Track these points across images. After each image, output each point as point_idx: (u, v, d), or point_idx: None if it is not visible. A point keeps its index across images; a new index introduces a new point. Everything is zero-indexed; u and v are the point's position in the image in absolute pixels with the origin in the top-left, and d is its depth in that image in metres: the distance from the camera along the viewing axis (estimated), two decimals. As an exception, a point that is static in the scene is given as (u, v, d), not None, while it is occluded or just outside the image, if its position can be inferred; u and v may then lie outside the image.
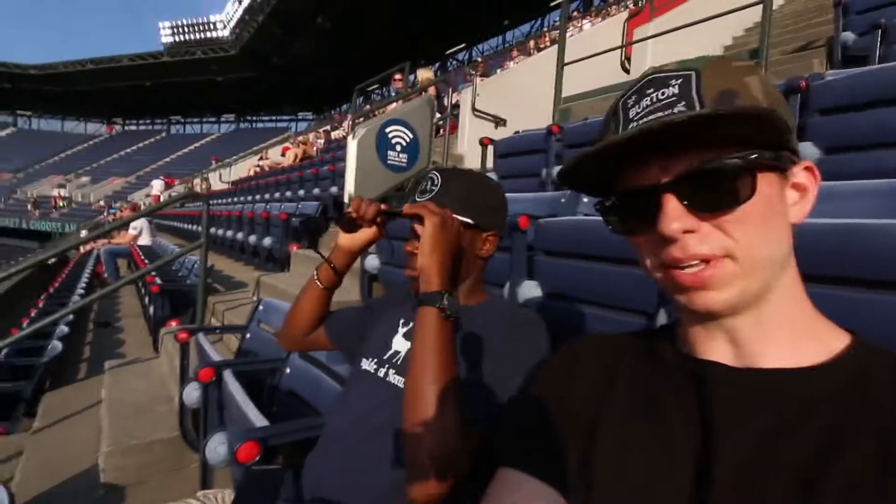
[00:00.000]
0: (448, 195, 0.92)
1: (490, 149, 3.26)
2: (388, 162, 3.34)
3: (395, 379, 0.92)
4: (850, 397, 0.39)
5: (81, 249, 11.41)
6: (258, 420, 1.27)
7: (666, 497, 0.41)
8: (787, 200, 0.45)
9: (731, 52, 4.38)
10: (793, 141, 0.44)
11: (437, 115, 4.41)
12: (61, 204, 26.94)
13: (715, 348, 0.46)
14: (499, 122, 5.15)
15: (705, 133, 0.40)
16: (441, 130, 5.44)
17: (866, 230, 0.90)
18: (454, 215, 0.90)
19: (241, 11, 27.09)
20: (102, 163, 34.95)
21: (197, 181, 15.86)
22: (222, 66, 31.40)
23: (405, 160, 3.41)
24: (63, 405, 2.86)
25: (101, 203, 26.36)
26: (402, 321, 1.00)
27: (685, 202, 0.42)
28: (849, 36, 2.97)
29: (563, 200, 2.06)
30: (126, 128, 44.40)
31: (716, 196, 0.41)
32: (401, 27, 23.95)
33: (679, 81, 0.42)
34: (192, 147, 36.68)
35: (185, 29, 31.96)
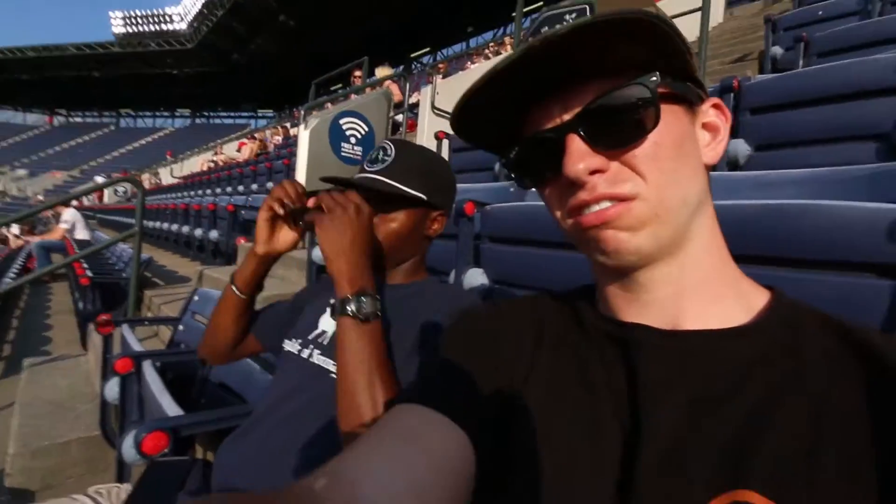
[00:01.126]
0: (401, 166, 0.86)
1: (445, 143, 3.24)
2: (342, 153, 3.24)
3: (320, 359, 0.84)
4: (781, 361, 0.37)
5: (12, 245, 10.61)
6: (172, 410, 1.18)
7: (589, 476, 0.38)
8: (698, 140, 0.42)
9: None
10: (697, 73, 0.42)
11: (395, 110, 4.36)
12: None
13: (637, 309, 0.43)
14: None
15: (600, 61, 0.37)
16: (399, 127, 5.40)
17: (792, 210, 0.92)
18: (405, 188, 0.84)
19: (199, 5, 26.10)
20: (43, 155, 32.64)
21: (146, 176, 15.06)
22: (178, 59, 30.12)
23: (360, 152, 3.32)
24: None
25: (40, 197, 24.58)
26: (331, 300, 0.93)
27: (589, 140, 0.38)
28: (777, 50, 3.20)
29: (511, 190, 2.06)
30: (71, 119, 41.72)
31: (619, 129, 0.38)
32: (365, 30, 23.81)
33: (573, 15, 0.39)
34: (143, 141, 34.88)
35: (139, 20, 30.47)
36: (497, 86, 0.38)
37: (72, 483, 1.90)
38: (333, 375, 0.79)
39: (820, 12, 3.31)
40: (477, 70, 5.89)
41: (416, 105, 5.53)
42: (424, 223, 0.90)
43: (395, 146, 0.89)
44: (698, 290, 0.41)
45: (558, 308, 0.49)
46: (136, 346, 1.70)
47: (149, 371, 1.40)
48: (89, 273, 3.42)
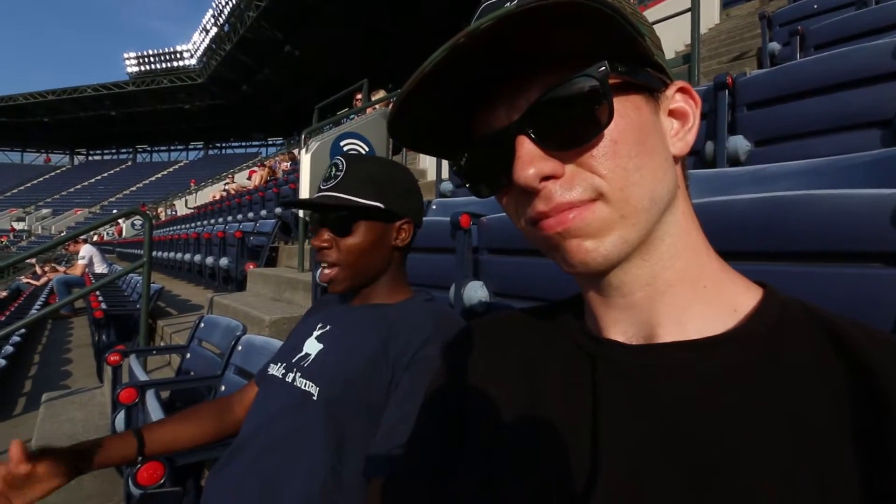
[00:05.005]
0: (352, 179, 0.85)
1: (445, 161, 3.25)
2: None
3: (301, 382, 0.82)
4: (760, 373, 0.33)
5: (37, 282, 10.92)
6: (172, 438, 1.17)
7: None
8: (663, 129, 0.38)
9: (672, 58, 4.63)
10: (656, 56, 0.37)
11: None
12: (5, 239, 25.78)
13: (613, 317, 0.39)
14: None
15: (544, 52, 0.34)
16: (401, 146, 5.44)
17: (787, 202, 0.89)
18: (357, 199, 0.84)
19: (207, 41, 27.06)
20: (65, 193, 33.80)
21: (161, 209, 15.44)
22: (190, 94, 31.12)
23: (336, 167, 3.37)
24: None
25: (63, 234, 25.38)
26: (319, 325, 0.91)
27: (539, 142, 0.35)
28: (775, 46, 3.17)
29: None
30: (90, 157, 43.21)
31: (570, 128, 0.34)
32: (368, 54, 24.33)
33: (514, 2, 0.35)
34: (159, 175, 35.87)
35: (151, 59, 31.69)
36: (431, 86, 0.35)
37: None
38: (315, 399, 0.77)
39: (815, 5, 3.29)
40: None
41: None
42: (388, 233, 0.88)
43: (347, 160, 0.88)
44: (674, 293, 0.37)
45: (539, 324, 0.47)
46: (143, 377, 1.71)
47: (150, 401, 1.40)
48: (104, 306, 3.48)
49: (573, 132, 0.35)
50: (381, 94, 6.24)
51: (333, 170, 0.88)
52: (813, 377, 0.32)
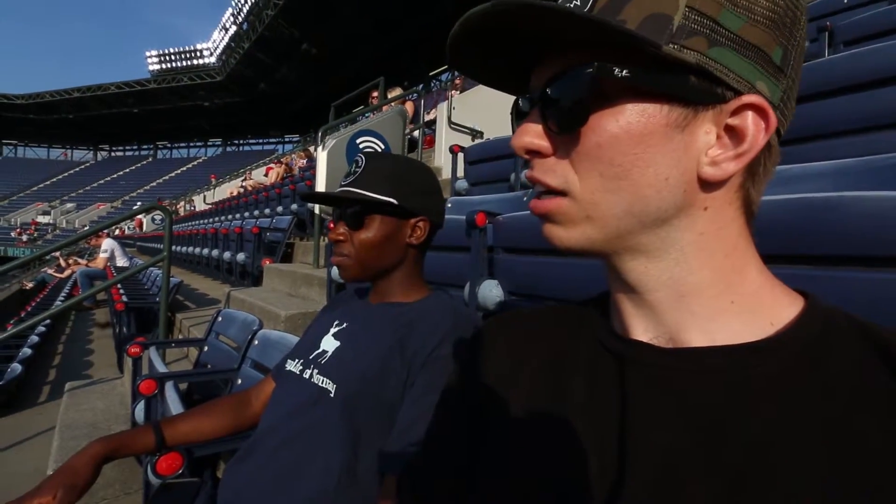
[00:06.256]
0: (370, 175, 0.87)
1: (460, 157, 3.25)
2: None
3: (318, 379, 0.83)
4: (797, 380, 0.32)
5: (61, 275, 11.25)
6: (191, 429, 1.19)
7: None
8: (688, 145, 0.33)
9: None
10: (707, 63, 0.31)
11: (410, 127, 4.41)
12: (32, 232, 26.63)
13: (637, 321, 0.38)
14: (476, 133, 5.17)
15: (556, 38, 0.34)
16: (416, 143, 5.46)
17: (820, 203, 0.86)
18: (372, 194, 0.84)
19: (227, 39, 27.47)
20: (88, 188, 34.69)
21: (181, 204, 15.72)
22: (209, 91, 31.63)
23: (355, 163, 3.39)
24: (15, 430, 2.72)
25: (86, 228, 26.10)
26: (336, 322, 0.92)
27: (543, 120, 0.36)
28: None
29: (525, 199, 2.04)
30: (112, 154, 44.25)
31: (559, 117, 0.35)
32: (385, 52, 24.39)
33: None
34: (179, 171, 36.56)
35: (172, 57, 32.32)
36: (476, 45, 0.36)
37: (106, 504, 1.95)
38: (332, 395, 0.78)
39: (845, 0, 3.17)
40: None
41: (434, 122, 5.58)
42: (402, 230, 0.89)
43: (366, 157, 0.90)
44: (699, 301, 0.36)
45: (558, 322, 0.46)
46: (162, 368, 1.75)
47: (170, 392, 1.43)
48: (125, 298, 3.56)
49: (561, 122, 0.35)
50: (398, 91, 6.27)
51: (354, 166, 0.90)
52: (861, 388, 0.30)
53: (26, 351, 3.73)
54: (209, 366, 2.08)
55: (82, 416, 2.53)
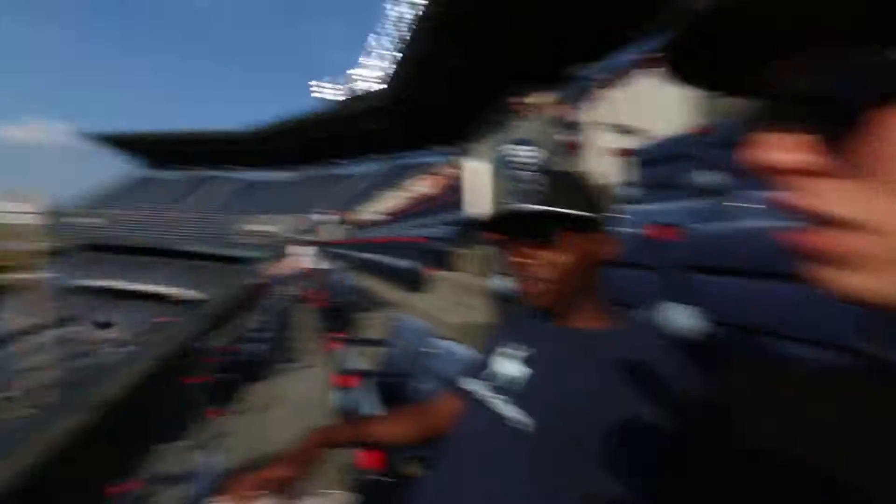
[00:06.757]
0: (553, 189, 0.81)
1: (625, 160, 3.01)
2: (513, 182, 3.32)
3: (509, 410, 0.78)
4: None
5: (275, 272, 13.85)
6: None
7: None
8: None
9: None
10: None
11: (564, 133, 4.26)
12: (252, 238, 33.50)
13: None
14: (631, 132, 4.73)
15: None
16: (571, 147, 5.23)
17: None
18: (565, 210, 0.79)
19: (383, 65, 31.40)
20: (290, 203, 42.47)
21: (356, 216, 17.99)
22: (371, 114, 35.92)
23: (527, 178, 3.37)
24: (258, 396, 3.41)
25: (287, 235, 32.09)
26: (522, 346, 0.87)
27: (815, 125, 0.28)
28: None
29: (714, 209, 1.78)
30: (304, 173, 53.18)
31: (845, 119, 0.25)
32: (529, 56, 24.20)
33: None
34: (351, 185, 42.15)
35: (339, 88, 38.69)
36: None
37: (300, 484, 2.30)
38: (525, 430, 0.75)
39: None
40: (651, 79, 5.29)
41: (582, 123, 5.27)
42: (596, 246, 0.82)
43: (543, 171, 0.86)
44: None
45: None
46: (357, 365, 2.00)
47: (367, 389, 1.62)
48: (326, 297, 4.21)
49: (849, 128, 0.25)
50: (545, 97, 6.11)
51: (529, 181, 0.85)
52: None
53: (265, 334, 4.67)
54: (388, 366, 2.31)
55: (287, 399, 3.05)
